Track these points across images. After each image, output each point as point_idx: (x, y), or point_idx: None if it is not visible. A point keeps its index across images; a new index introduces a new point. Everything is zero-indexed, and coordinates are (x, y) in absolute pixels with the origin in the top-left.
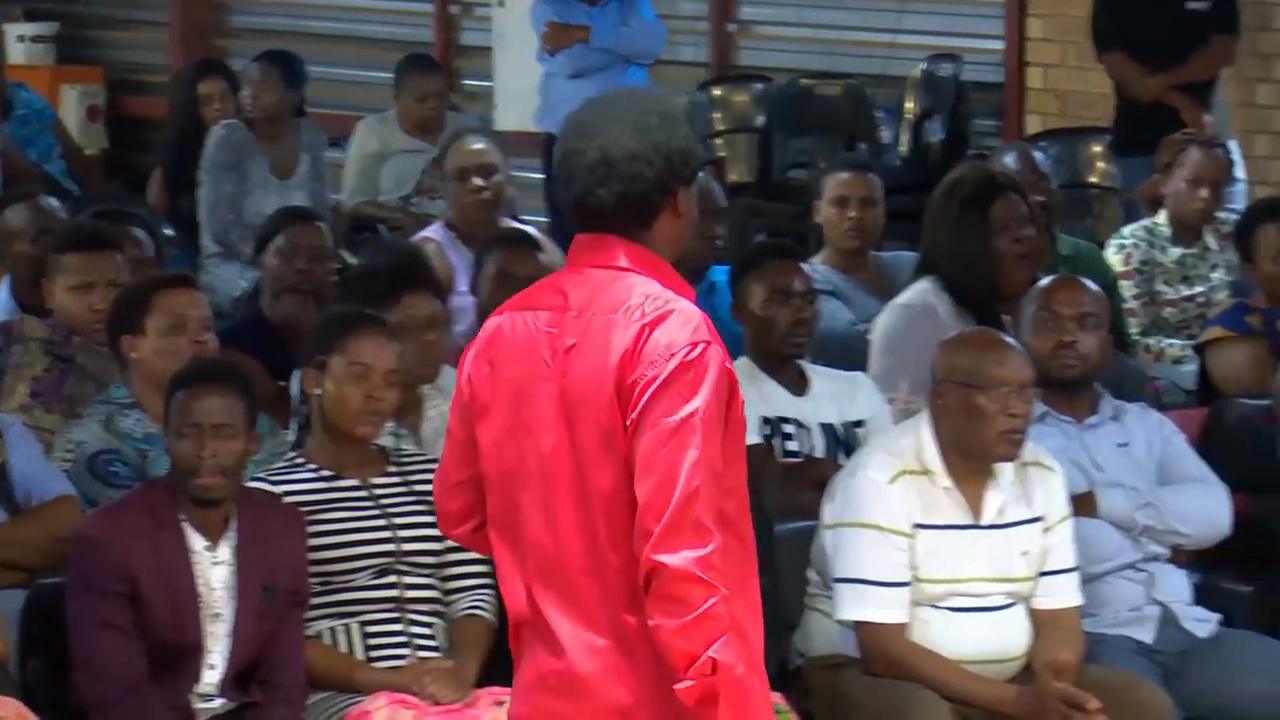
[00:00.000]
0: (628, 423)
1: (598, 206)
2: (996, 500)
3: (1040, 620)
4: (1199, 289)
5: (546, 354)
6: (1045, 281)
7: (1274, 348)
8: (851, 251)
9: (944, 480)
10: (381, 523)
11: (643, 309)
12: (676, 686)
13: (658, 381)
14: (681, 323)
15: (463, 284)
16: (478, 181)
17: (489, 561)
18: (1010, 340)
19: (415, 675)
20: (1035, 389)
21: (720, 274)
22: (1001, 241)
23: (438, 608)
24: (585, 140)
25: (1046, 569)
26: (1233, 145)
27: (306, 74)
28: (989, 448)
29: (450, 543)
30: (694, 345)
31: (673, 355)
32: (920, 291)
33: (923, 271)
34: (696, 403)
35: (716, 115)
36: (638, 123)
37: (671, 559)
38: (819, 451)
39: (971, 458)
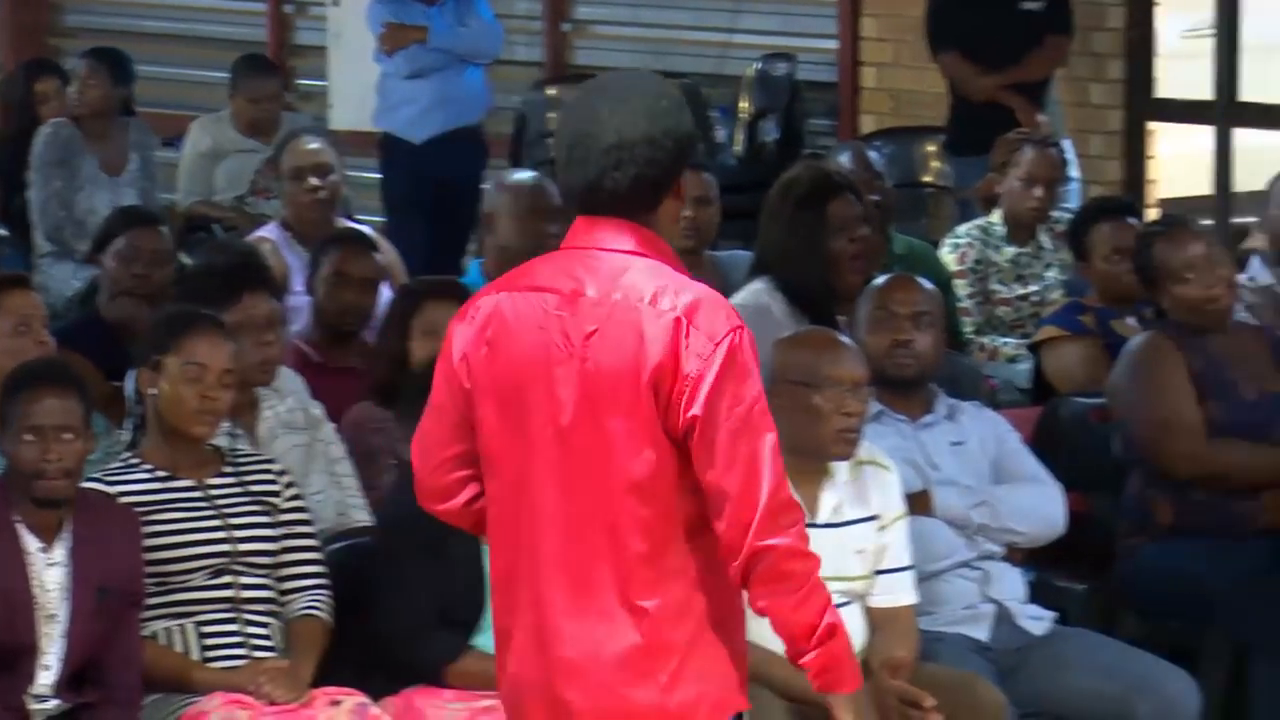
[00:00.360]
0: (680, 414)
1: (613, 189)
2: (832, 499)
3: (876, 618)
4: (1033, 288)
5: (559, 338)
6: (881, 280)
7: (1108, 346)
8: (686, 251)
9: None
10: (217, 523)
11: (672, 299)
12: (803, 660)
13: (713, 373)
14: (714, 309)
15: (298, 284)
16: (314, 181)
17: (325, 562)
18: (845, 339)
19: (251, 675)
20: (870, 388)
21: None
22: (837, 241)
23: (273, 608)
24: (599, 124)
25: (882, 567)
26: (1067, 144)
27: (135, 72)
28: (824, 446)
29: (286, 543)
30: (734, 330)
31: (718, 344)
32: (754, 292)
33: (757, 271)
34: (755, 387)
35: (552, 115)
36: (650, 108)
37: (779, 541)
38: None
39: (807, 456)
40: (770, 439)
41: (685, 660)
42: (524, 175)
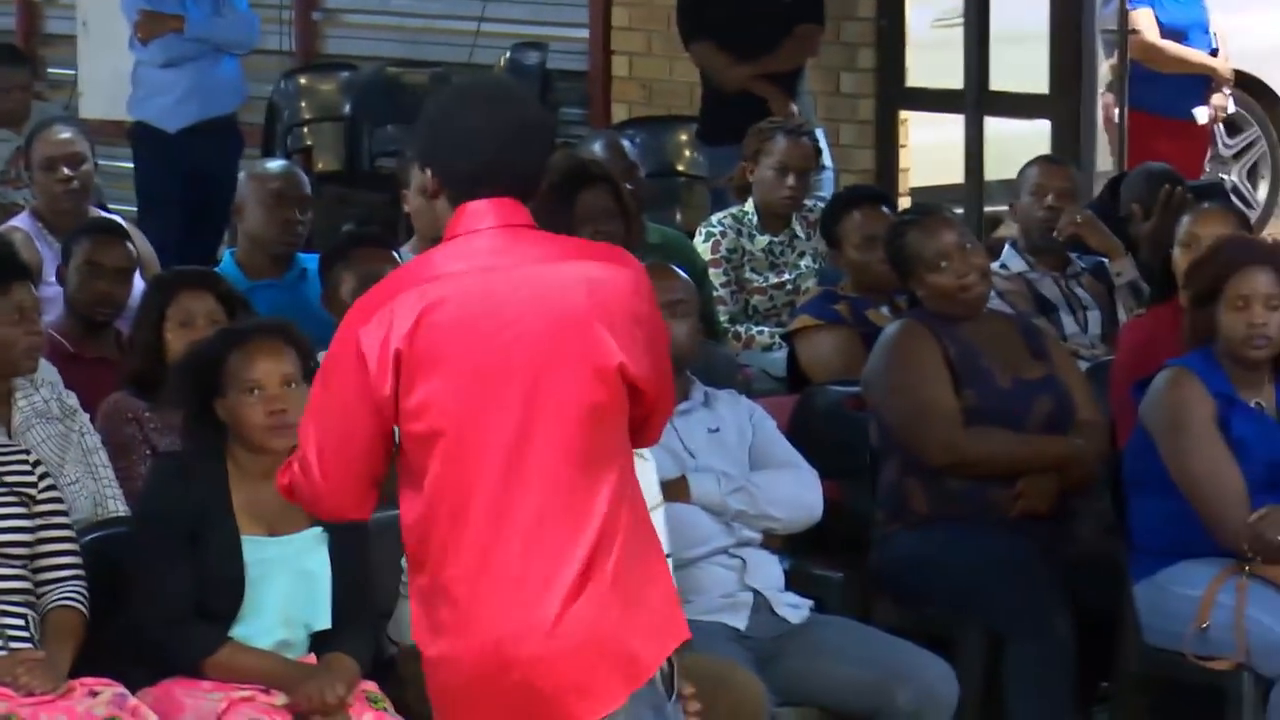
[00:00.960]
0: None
1: (538, 173)
2: None
3: None
4: (787, 276)
5: (499, 308)
6: None
7: (862, 335)
8: (439, 238)
9: None
10: None
11: (596, 254)
12: None
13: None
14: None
15: (50, 274)
16: (66, 171)
17: (81, 553)
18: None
19: (8, 666)
20: None
21: (309, 261)
22: (583, 233)
23: (29, 599)
24: (528, 115)
25: None
26: (819, 133)
27: None
28: None
29: (42, 534)
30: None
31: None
32: None
33: None
34: None
35: (303, 104)
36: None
37: None
38: None
39: None
40: None
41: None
42: (274, 164)
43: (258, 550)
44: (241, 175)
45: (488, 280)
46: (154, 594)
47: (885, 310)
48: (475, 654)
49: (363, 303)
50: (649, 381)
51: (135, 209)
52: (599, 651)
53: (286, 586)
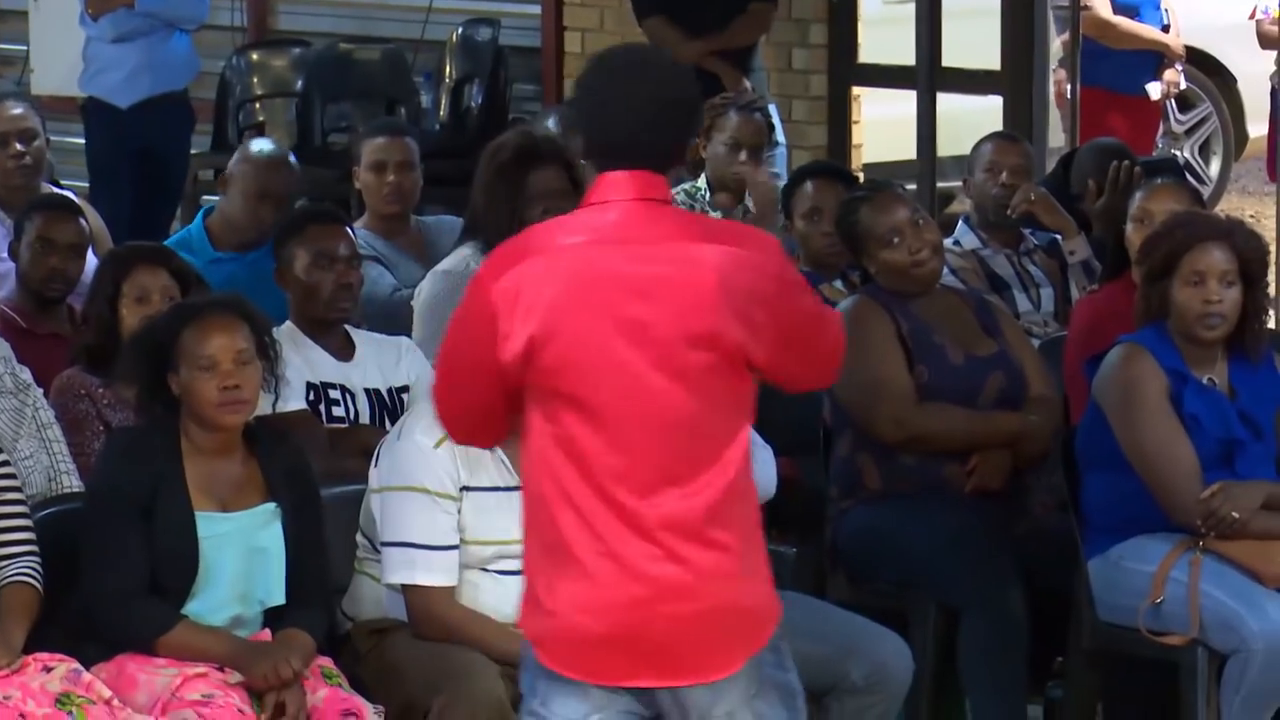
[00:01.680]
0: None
1: (671, 146)
2: None
3: None
4: None
5: (631, 280)
6: None
7: None
8: (392, 216)
9: None
10: None
11: (725, 234)
12: None
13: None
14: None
15: (2, 250)
16: (18, 147)
17: (35, 528)
18: None
19: None
20: None
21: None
22: (532, 211)
23: None
24: (652, 85)
25: None
26: (771, 109)
27: None
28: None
29: None
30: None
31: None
32: (462, 258)
33: (466, 236)
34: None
35: (255, 80)
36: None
37: None
38: (365, 417)
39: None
40: None
41: None
42: (269, 152)
43: (211, 526)
44: (239, 151)
45: (619, 253)
46: (107, 571)
47: (839, 284)
48: (616, 609)
49: (499, 258)
50: (769, 361)
51: (86, 185)
52: (728, 614)
53: (240, 562)
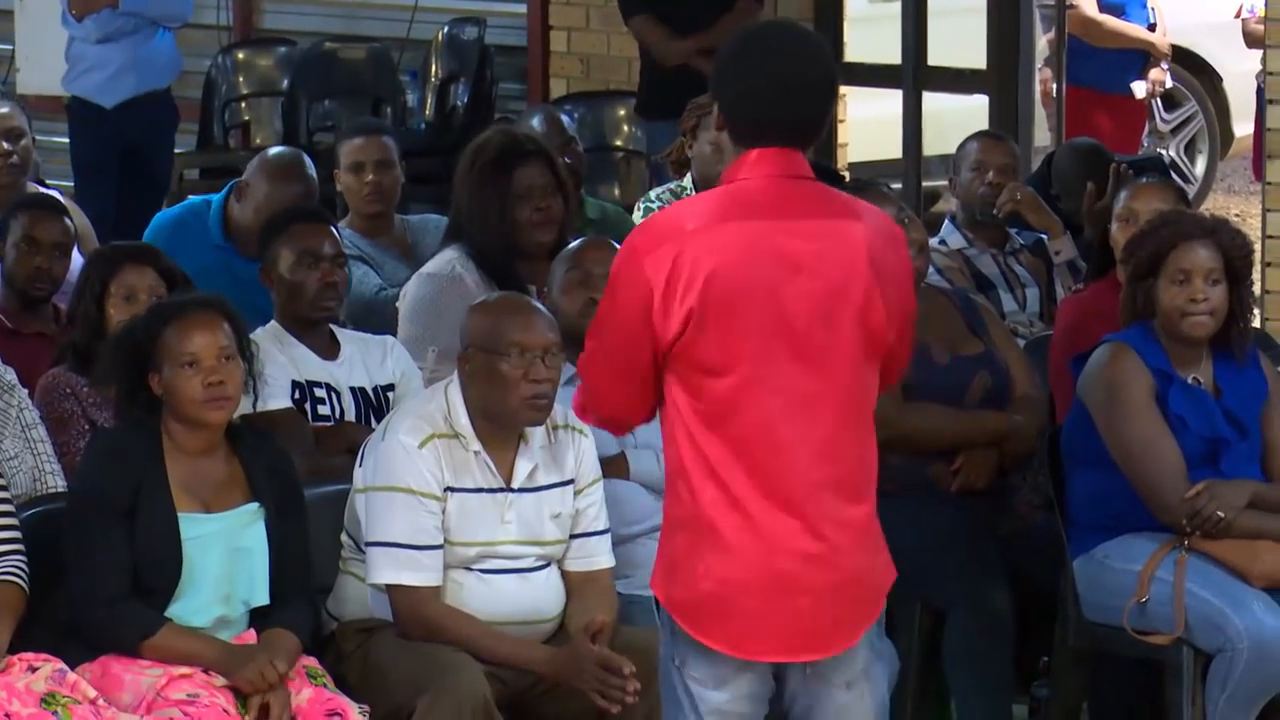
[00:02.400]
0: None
1: (797, 122)
2: (527, 464)
3: (573, 582)
4: None
5: (788, 256)
6: (577, 242)
7: None
8: (374, 215)
9: (474, 444)
10: None
11: (858, 208)
12: None
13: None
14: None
15: None
16: (5, 146)
17: (20, 528)
18: (536, 304)
19: None
20: (566, 351)
21: None
22: (521, 210)
23: None
24: (819, 67)
25: (578, 531)
26: None
27: None
28: (513, 413)
29: None
30: None
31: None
32: (447, 260)
33: (450, 238)
34: None
35: (240, 79)
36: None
37: None
38: (350, 415)
39: (498, 422)
40: None
41: None
42: (288, 160)
43: (194, 527)
44: (256, 161)
45: (773, 229)
46: (91, 573)
47: None
48: (760, 584)
49: (651, 235)
50: (891, 330)
51: (71, 184)
52: (860, 585)
53: (223, 563)
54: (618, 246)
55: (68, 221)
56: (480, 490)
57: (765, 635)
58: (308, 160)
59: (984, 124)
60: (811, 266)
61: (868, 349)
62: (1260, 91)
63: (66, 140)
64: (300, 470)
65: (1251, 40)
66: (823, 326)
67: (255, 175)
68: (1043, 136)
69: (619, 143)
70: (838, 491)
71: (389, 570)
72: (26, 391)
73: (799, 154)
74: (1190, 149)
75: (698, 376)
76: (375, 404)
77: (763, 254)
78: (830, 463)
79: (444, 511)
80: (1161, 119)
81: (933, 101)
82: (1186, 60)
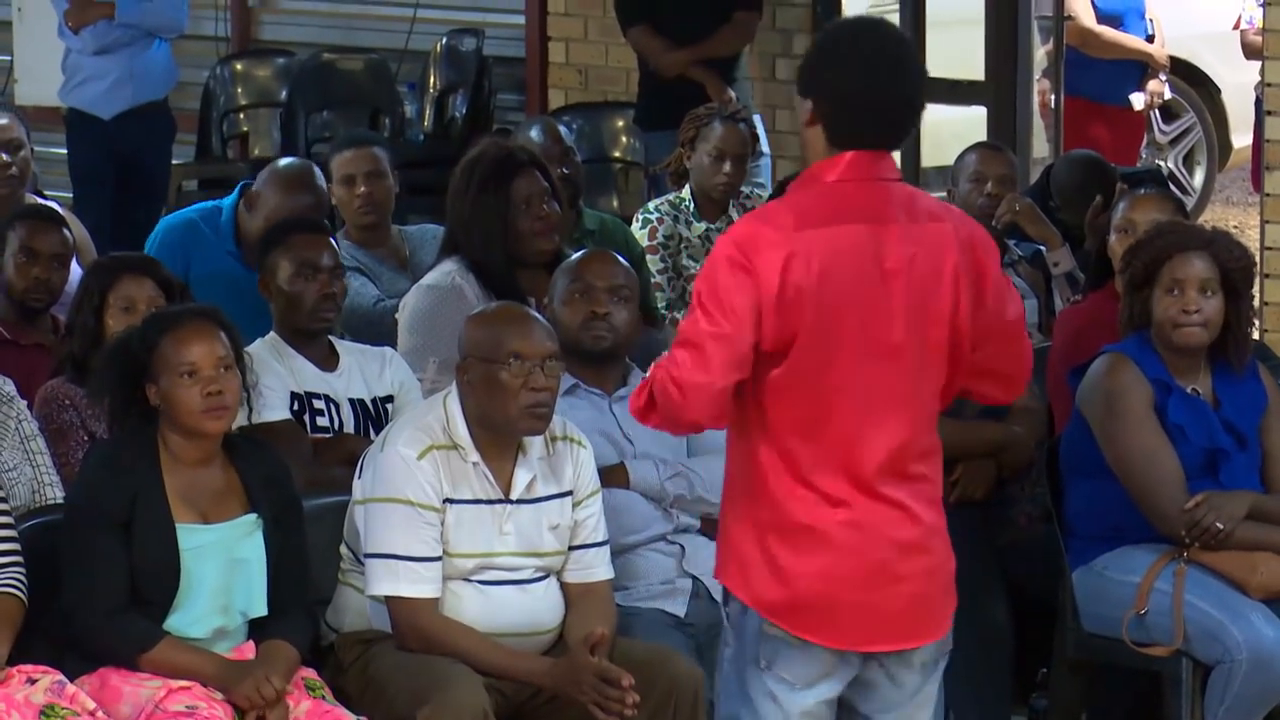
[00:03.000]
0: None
1: (894, 125)
2: (525, 475)
3: (572, 593)
4: None
5: (884, 260)
6: (579, 254)
7: None
8: (369, 227)
9: (472, 455)
10: None
11: (946, 211)
12: None
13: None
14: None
15: None
16: (4, 158)
17: (19, 539)
18: (534, 314)
19: None
20: (564, 361)
21: None
22: (523, 220)
23: None
24: (904, 72)
25: (577, 543)
26: (756, 119)
27: None
28: (513, 422)
29: None
30: None
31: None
32: (446, 273)
33: (447, 251)
34: None
35: (239, 90)
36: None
37: None
38: (349, 427)
39: (497, 432)
40: None
41: None
42: (291, 161)
43: (192, 538)
44: (265, 172)
45: (870, 234)
46: (88, 585)
47: None
48: (862, 577)
49: (759, 232)
50: (972, 336)
51: (69, 194)
52: (948, 572)
53: (221, 573)
54: (620, 258)
55: (66, 232)
56: (479, 501)
57: (870, 625)
58: (318, 171)
59: (982, 135)
60: (905, 271)
61: (948, 354)
62: (1259, 103)
63: (64, 151)
64: (299, 482)
65: (1250, 51)
66: (910, 329)
67: (266, 186)
68: (1041, 148)
69: (617, 154)
70: (923, 484)
71: (388, 582)
72: (25, 403)
73: (889, 156)
74: (1188, 160)
75: (792, 378)
76: (374, 415)
77: (865, 259)
78: (916, 458)
79: (443, 523)
80: (1160, 130)
81: (931, 113)
82: (1185, 71)
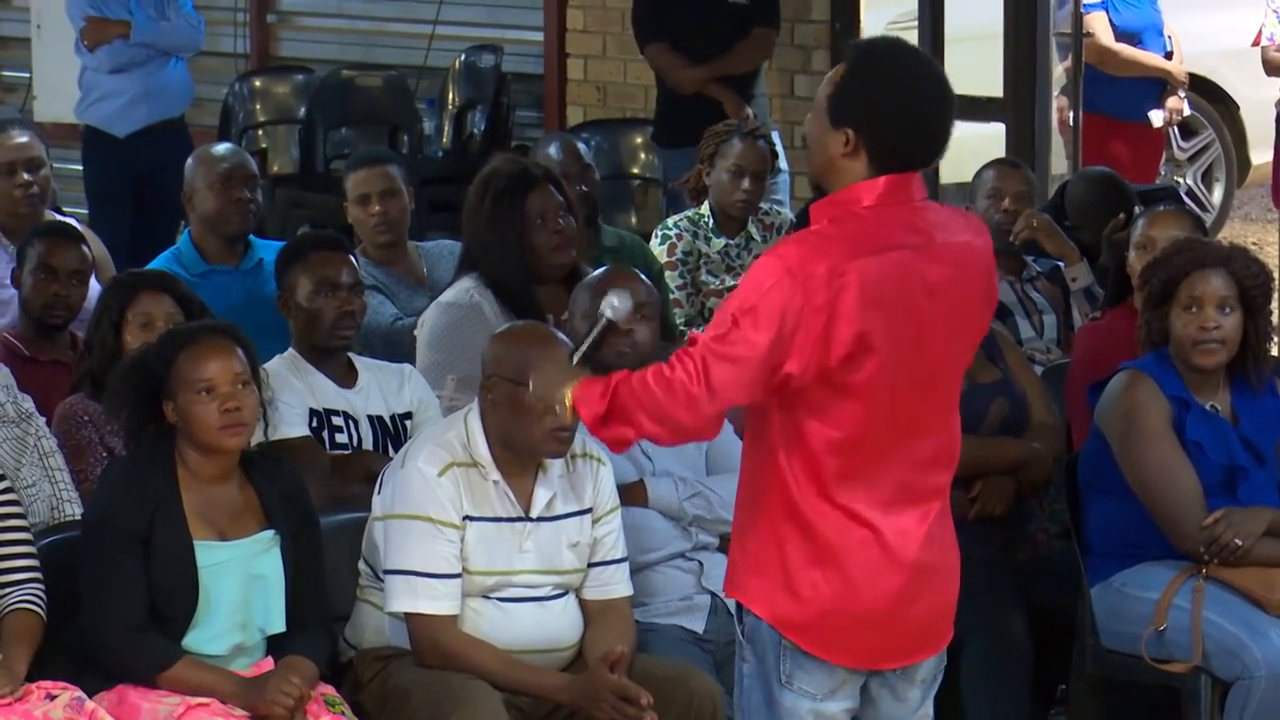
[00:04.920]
0: None
1: (931, 148)
2: (545, 493)
3: (591, 610)
4: None
5: (929, 283)
6: (601, 270)
7: None
8: (386, 245)
9: (493, 473)
10: None
11: (973, 227)
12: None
13: None
14: None
15: (4, 277)
16: (25, 176)
17: (38, 556)
18: (560, 336)
19: None
20: None
21: (265, 250)
22: (538, 235)
23: None
24: (947, 96)
25: (596, 560)
26: (775, 136)
27: None
28: (535, 445)
29: None
30: None
31: None
32: (464, 290)
33: (465, 268)
34: None
35: (257, 106)
36: None
37: None
38: (367, 444)
39: (518, 453)
40: None
41: None
42: (219, 147)
43: (210, 554)
44: (189, 162)
45: (916, 256)
46: (106, 603)
47: None
48: (882, 597)
49: (811, 257)
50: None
51: (86, 211)
52: (951, 593)
53: (239, 590)
54: (642, 276)
55: (85, 249)
56: (499, 519)
57: (889, 645)
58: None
59: (1000, 151)
60: (945, 292)
61: (969, 365)
62: (1278, 119)
63: (80, 167)
64: (317, 499)
65: (1270, 68)
66: (945, 348)
67: (196, 167)
68: (1059, 164)
69: (636, 170)
70: (941, 500)
71: (407, 598)
72: (44, 419)
73: (919, 175)
74: (1207, 177)
75: (836, 400)
76: (392, 432)
77: (913, 283)
78: (939, 471)
79: (462, 540)
80: (1179, 147)
81: None
82: (1203, 88)
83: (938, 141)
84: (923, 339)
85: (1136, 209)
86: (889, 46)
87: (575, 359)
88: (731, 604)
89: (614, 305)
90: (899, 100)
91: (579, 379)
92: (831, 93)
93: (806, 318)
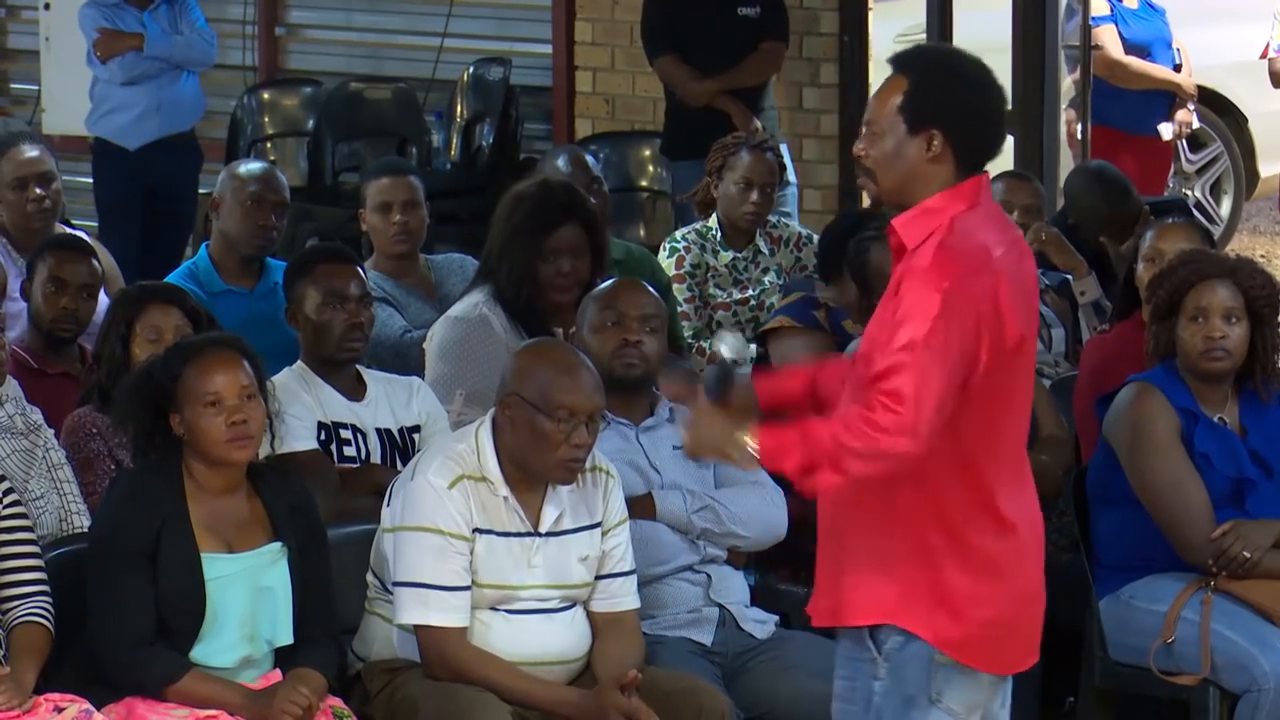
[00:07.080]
0: None
1: (997, 149)
2: (554, 509)
3: (599, 623)
4: (751, 292)
5: (1028, 275)
6: (610, 283)
7: (837, 344)
8: (400, 256)
9: (502, 489)
10: None
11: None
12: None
13: None
14: None
15: (14, 289)
16: (38, 191)
17: (46, 568)
18: (585, 362)
19: None
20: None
21: (282, 274)
22: (546, 268)
23: None
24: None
25: (605, 572)
26: (783, 149)
27: None
28: (547, 471)
29: (7, 550)
30: None
31: None
32: (473, 304)
33: (482, 275)
34: None
35: (266, 119)
36: None
37: None
38: (376, 456)
39: (528, 473)
40: None
41: None
42: (254, 165)
43: (217, 567)
44: (222, 173)
45: (1023, 255)
46: (114, 617)
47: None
48: (1030, 592)
49: (970, 261)
50: None
51: (96, 224)
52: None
53: (247, 602)
54: (650, 289)
55: (95, 263)
56: (508, 534)
57: (1030, 644)
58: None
59: (1009, 164)
60: (1033, 287)
61: None
62: None
63: (89, 180)
64: (325, 512)
65: (1277, 80)
66: (1034, 345)
67: (227, 182)
68: None
69: (644, 183)
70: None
71: (416, 610)
72: (53, 431)
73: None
74: (1216, 190)
75: (992, 402)
76: (401, 445)
77: (1028, 277)
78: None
79: (472, 552)
80: (1187, 159)
81: None
82: (1212, 101)
83: (1004, 136)
84: (1034, 330)
85: (1143, 207)
86: (943, 49)
87: (711, 403)
88: (745, 616)
89: (728, 343)
90: (979, 95)
91: (749, 426)
92: (903, 101)
93: (982, 319)
